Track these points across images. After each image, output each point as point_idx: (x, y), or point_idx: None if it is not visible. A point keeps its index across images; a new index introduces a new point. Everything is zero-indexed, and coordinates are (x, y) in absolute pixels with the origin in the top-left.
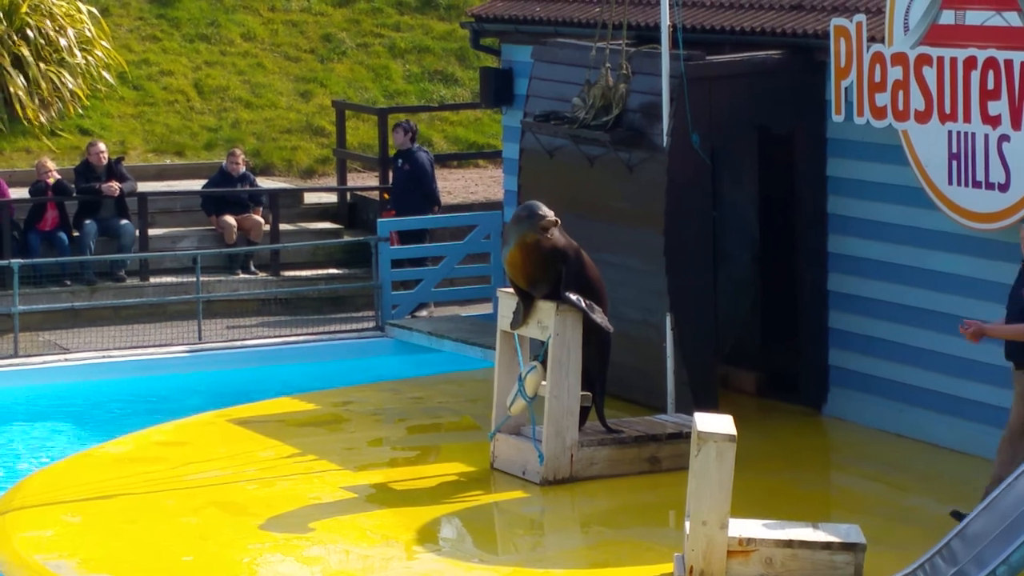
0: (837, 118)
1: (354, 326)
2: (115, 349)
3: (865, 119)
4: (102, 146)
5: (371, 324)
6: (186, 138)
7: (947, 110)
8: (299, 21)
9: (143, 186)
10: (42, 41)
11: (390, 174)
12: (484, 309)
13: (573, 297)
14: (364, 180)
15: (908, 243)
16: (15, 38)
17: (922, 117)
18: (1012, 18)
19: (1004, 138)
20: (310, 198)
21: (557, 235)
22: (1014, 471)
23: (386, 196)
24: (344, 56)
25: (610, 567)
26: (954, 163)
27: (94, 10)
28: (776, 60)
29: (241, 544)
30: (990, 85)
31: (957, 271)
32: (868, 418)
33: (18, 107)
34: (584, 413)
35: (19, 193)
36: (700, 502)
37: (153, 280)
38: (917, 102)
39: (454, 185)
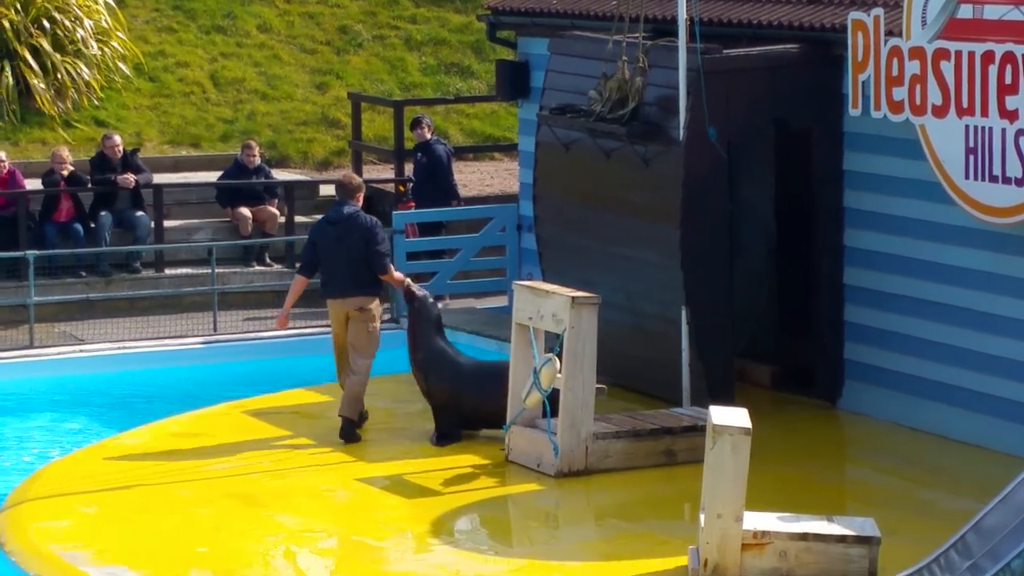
0: (854, 112)
1: None
2: (130, 340)
3: (882, 113)
4: (117, 139)
5: (386, 316)
6: (202, 130)
7: (964, 104)
8: (315, 13)
9: (158, 178)
10: (58, 32)
11: (406, 167)
12: (499, 302)
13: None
14: (380, 172)
15: (924, 237)
16: (31, 29)
17: (939, 111)
18: None
19: (1021, 132)
20: (325, 190)
21: None
22: None
23: (402, 188)
24: (360, 48)
25: (624, 559)
26: (971, 157)
27: (110, 1)
28: (793, 54)
29: (256, 535)
30: (1008, 79)
31: (973, 265)
32: (883, 412)
33: (35, 98)
34: None
35: (34, 184)
36: (715, 495)
37: (168, 272)
38: (934, 96)
39: (470, 178)
